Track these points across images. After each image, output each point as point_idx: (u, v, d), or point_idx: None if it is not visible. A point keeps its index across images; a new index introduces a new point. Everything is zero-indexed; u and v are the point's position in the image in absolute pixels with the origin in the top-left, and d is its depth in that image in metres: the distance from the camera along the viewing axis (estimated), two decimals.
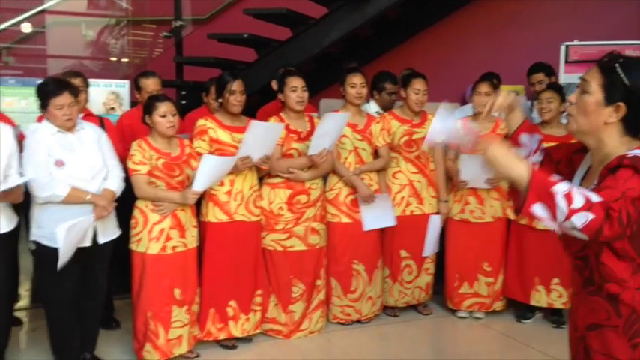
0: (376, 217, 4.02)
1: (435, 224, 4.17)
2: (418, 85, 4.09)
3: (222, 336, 3.66)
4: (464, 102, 5.16)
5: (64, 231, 2.93)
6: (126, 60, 6.92)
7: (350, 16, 4.72)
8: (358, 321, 4.12)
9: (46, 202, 3.08)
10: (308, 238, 3.82)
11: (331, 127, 3.68)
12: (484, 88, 4.15)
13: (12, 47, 6.43)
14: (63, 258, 2.98)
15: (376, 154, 4.11)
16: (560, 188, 1.46)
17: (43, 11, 6.33)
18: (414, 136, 4.14)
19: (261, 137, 3.46)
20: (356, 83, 3.95)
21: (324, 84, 5.20)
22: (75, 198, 3.10)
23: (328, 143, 3.69)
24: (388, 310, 4.29)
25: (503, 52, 5.47)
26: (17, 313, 4.00)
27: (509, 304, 4.32)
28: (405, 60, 5.25)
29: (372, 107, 4.48)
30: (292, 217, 3.77)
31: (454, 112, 4.49)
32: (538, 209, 1.47)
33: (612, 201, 1.46)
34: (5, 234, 3.10)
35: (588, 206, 1.44)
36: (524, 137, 1.94)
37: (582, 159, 1.79)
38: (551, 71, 4.64)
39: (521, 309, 4.25)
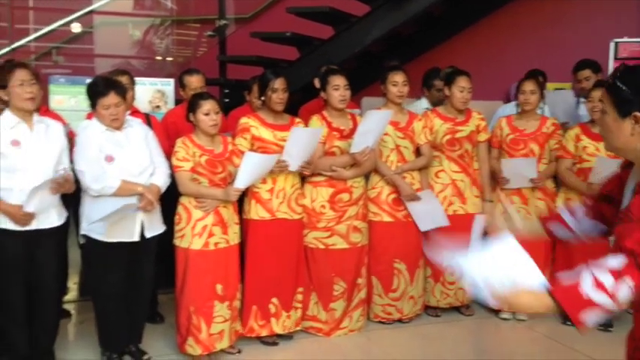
0: (428, 215, 3.97)
1: (479, 224, 4.10)
2: (462, 82, 4.04)
3: (264, 333, 3.69)
4: (508, 100, 5.08)
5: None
6: (170, 59, 7.04)
7: (392, 13, 4.69)
8: (399, 320, 4.10)
9: (99, 194, 3.16)
10: (350, 236, 3.82)
11: (374, 124, 3.66)
12: (529, 86, 4.07)
13: (61, 47, 6.61)
14: (102, 219, 3.08)
15: (418, 152, 4.08)
16: (586, 283, 1.44)
17: (91, 12, 6.48)
18: (457, 135, 4.09)
19: (302, 143, 3.49)
20: (397, 82, 3.93)
21: (365, 82, 5.18)
22: (126, 190, 3.18)
23: (371, 141, 3.68)
24: (430, 310, 4.25)
25: (549, 49, 5.35)
26: (66, 306, 4.12)
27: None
28: (447, 58, 5.19)
29: (423, 104, 4.45)
30: (334, 215, 3.77)
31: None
32: (589, 317, 1.45)
33: (637, 244, 1.44)
34: (56, 228, 3.20)
35: (618, 275, 1.42)
36: (554, 226, 1.96)
37: (629, 174, 1.76)
38: (598, 68, 4.53)
39: None
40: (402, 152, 4.00)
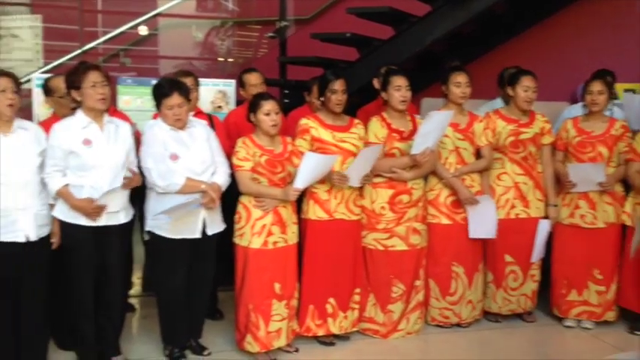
0: (481, 222, 3.90)
1: (544, 229, 4.01)
2: (527, 82, 3.94)
3: (321, 332, 3.70)
4: (574, 101, 4.91)
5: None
6: (232, 60, 7.15)
7: (454, 13, 4.62)
8: (457, 325, 4.03)
9: (164, 191, 3.26)
10: (409, 238, 3.79)
11: (435, 125, 3.62)
12: (597, 86, 3.94)
13: (128, 49, 6.81)
14: (167, 212, 3.17)
15: (478, 154, 4.00)
16: None
17: (157, 15, 6.66)
18: (521, 136, 3.99)
19: (364, 161, 3.52)
20: (460, 82, 3.87)
21: (424, 83, 5.12)
22: (190, 187, 3.27)
23: (431, 142, 3.64)
24: (489, 315, 4.16)
25: (618, 48, 5.15)
26: (130, 301, 4.24)
27: (623, 315, 4.07)
28: (511, 58, 5.07)
29: (498, 104, 4.36)
30: (394, 216, 3.75)
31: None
32: None
33: None
34: (123, 225, 3.31)
35: None
36: None
37: None
38: None
39: (637, 320, 3.99)
40: (462, 154, 3.93)
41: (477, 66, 5.04)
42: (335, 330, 3.72)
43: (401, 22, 4.98)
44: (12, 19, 5.98)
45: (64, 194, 3.11)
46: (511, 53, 5.40)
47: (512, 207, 4.01)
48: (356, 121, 3.78)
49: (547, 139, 4.06)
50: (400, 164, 3.73)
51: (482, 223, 3.90)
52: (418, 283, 3.88)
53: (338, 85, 3.59)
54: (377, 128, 3.74)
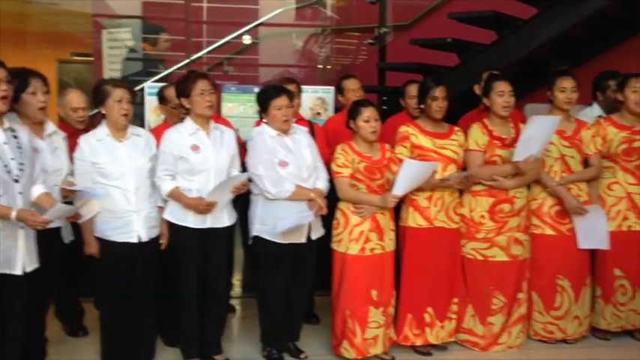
0: (590, 233, 3.72)
1: None
2: (638, 84, 3.72)
3: (418, 342, 3.66)
4: None
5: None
6: (330, 67, 7.23)
7: (562, 15, 4.42)
8: (563, 341, 3.85)
9: (275, 197, 3.35)
10: (511, 248, 3.67)
11: (539, 131, 3.49)
12: None
13: (231, 58, 7.06)
14: (282, 228, 3.27)
15: (586, 162, 3.81)
16: None
17: (259, 24, 6.85)
18: (635, 144, 3.77)
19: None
20: (566, 87, 3.71)
21: (528, 88, 4.93)
22: (299, 195, 3.34)
23: (536, 149, 3.51)
24: (598, 332, 3.95)
25: None
26: (230, 301, 4.36)
27: None
28: (620, 62, 4.76)
29: (595, 111, 4.15)
30: (494, 226, 3.65)
31: None
32: None
33: None
34: (227, 227, 3.44)
35: None
36: None
37: None
38: None
39: None
40: (568, 162, 3.76)
41: (584, 71, 4.76)
42: (432, 340, 3.67)
43: (505, 25, 4.83)
44: (127, 31, 6.36)
45: (176, 195, 3.27)
46: (621, 57, 5.07)
47: (625, 219, 3.80)
48: (456, 128, 3.72)
49: None
50: (501, 172, 3.62)
51: (592, 233, 3.72)
52: (521, 295, 3.75)
53: (439, 91, 3.55)
54: (477, 135, 3.66)
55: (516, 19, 4.80)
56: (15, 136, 2.75)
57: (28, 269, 2.78)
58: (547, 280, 3.80)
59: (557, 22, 4.44)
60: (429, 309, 3.63)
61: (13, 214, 2.62)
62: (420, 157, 3.53)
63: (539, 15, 4.59)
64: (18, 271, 2.73)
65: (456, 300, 3.71)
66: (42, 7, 8.04)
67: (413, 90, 4.05)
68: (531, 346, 3.84)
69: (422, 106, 3.63)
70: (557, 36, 4.53)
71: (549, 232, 3.79)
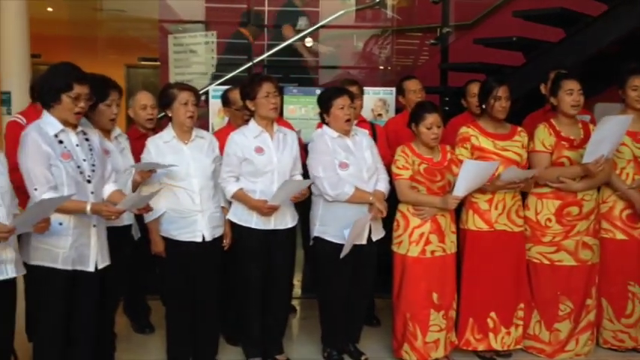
0: None
1: None
2: None
3: (481, 347, 3.60)
4: None
5: (349, 230, 3.26)
6: (391, 68, 7.19)
7: (633, 12, 4.25)
8: (634, 349, 3.71)
9: (334, 200, 3.37)
10: (579, 252, 3.56)
11: (610, 131, 3.37)
12: None
13: (291, 60, 7.12)
14: (345, 250, 3.27)
15: None
16: None
17: (320, 27, 6.89)
18: None
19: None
20: (638, 86, 3.58)
21: (597, 87, 4.76)
22: (358, 198, 3.35)
23: (606, 150, 3.38)
24: None
25: None
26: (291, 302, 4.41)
27: None
28: None
29: None
30: (561, 229, 3.54)
31: None
32: None
33: None
34: (289, 229, 3.48)
35: None
36: None
37: None
38: None
39: None
40: None
41: None
42: (496, 346, 3.59)
43: (573, 23, 4.69)
44: (191, 35, 6.53)
45: (240, 197, 3.34)
46: None
47: None
48: (519, 128, 3.63)
49: None
50: (569, 174, 3.51)
51: None
52: (589, 302, 3.63)
53: (502, 91, 3.48)
54: (544, 136, 3.55)
55: (585, 16, 4.65)
56: (87, 139, 2.87)
57: (100, 266, 2.89)
58: (618, 287, 3.68)
59: (627, 19, 4.28)
60: (492, 314, 3.55)
61: (88, 207, 2.73)
62: (480, 159, 3.47)
63: (609, 11, 4.43)
64: (90, 268, 2.84)
65: (522, 305, 3.62)
66: (111, 15, 8.35)
67: (474, 88, 3.99)
68: (600, 354, 3.72)
69: (483, 106, 3.56)
70: (628, 33, 4.36)
71: (620, 236, 3.66)
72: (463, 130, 3.58)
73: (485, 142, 3.52)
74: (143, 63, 10.27)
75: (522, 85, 4.31)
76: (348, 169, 3.37)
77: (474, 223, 3.53)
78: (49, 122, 2.75)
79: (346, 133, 3.44)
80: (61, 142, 2.74)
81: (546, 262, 3.59)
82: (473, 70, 5.17)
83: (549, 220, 3.56)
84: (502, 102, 3.48)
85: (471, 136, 3.54)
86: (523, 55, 5.07)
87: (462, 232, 3.57)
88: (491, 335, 3.57)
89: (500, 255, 3.53)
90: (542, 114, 3.98)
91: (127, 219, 3.28)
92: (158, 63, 7.33)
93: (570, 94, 3.49)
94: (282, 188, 3.26)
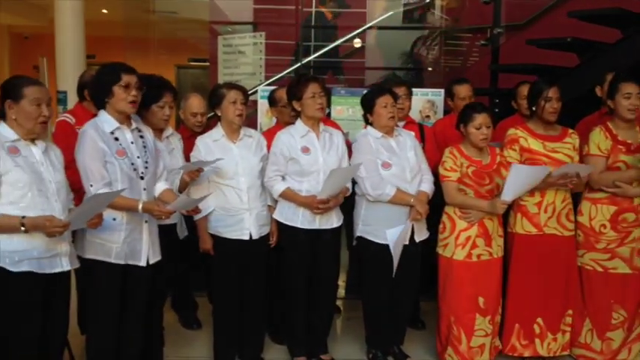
0: None
1: None
2: None
3: (527, 353, 3.53)
4: None
5: (392, 243, 3.27)
6: (439, 69, 7.13)
7: None
8: None
9: (375, 200, 3.36)
10: (634, 260, 3.45)
11: None
12: None
13: (338, 61, 7.15)
14: (395, 260, 3.29)
15: None
16: None
17: (368, 28, 6.89)
18: None
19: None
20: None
21: None
22: (399, 199, 3.34)
23: None
24: None
25: None
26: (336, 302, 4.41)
27: None
28: None
29: None
30: (616, 236, 3.44)
31: None
32: None
33: None
34: (335, 229, 3.48)
35: None
36: None
37: None
38: None
39: None
40: None
41: None
42: (542, 352, 3.52)
43: (631, 23, 4.54)
44: (240, 36, 6.61)
45: (288, 195, 3.36)
46: None
47: None
48: (570, 130, 3.55)
49: None
50: (626, 178, 3.41)
51: None
52: None
53: (552, 92, 3.41)
54: (600, 139, 3.45)
55: None
56: (141, 136, 2.94)
57: (152, 261, 2.95)
58: None
59: None
60: (539, 319, 3.49)
61: (140, 206, 2.79)
62: (529, 161, 3.41)
63: None
64: (142, 263, 2.91)
65: (570, 312, 3.54)
66: (163, 16, 8.53)
67: (525, 90, 3.91)
68: None
69: (533, 108, 3.48)
70: None
71: None
72: (511, 131, 3.52)
73: (534, 144, 3.45)
74: (192, 63, 10.46)
75: (576, 88, 4.19)
76: (390, 168, 3.36)
77: (522, 226, 3.47)
78: (106, 120, 2.82)
79: (390, 131, 3.43)
80: (116, 139, 2.82)
81: (600, 269, 3.48)
82: (524, 72, 5.07)
83: (604, 226, 3.45)
84: (553, 103, 3.41)
85: (520, 138, 3.47)
86: (577, 56, 4.94)
87: (510, 236, 3.51)
88: (537, 341, 3.50)
89: (548, 259, 3.45)
90: (597, 117, 3.87)
91: (173, 217, 3.33)
92: (207, 64, 7.46)
93: (628, 97, 3.38)
94: (329, 179, 3.25)
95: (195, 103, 3.91)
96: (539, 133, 3.47)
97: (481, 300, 3.38)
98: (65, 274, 2.69)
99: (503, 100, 5.07)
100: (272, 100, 3.96)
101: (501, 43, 5.65)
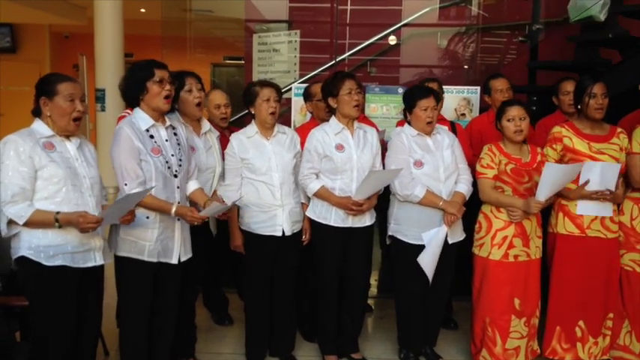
0: None
1: None
2: None
3: (568, 357, 3.44)
4: None
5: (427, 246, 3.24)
6: (476, 67, 7.03)
7: None
8: None
9: (404, 200, 3.32)
10: None
11: None
12: None
13: (374, 59, 7.10)
14: (431, 264, 3.27)
15: None
16: None
17: (403, 25, 6.83)
18: None
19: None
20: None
21: None
22: (429, 201, 3.29)
23: None
24: None
25: None
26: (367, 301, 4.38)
27: None
28: None
29: None
30: None
31: None
32: None
33: None
34: (367, 227, 3.45)
35: None
36: None
37: None
38: None
39: None
40: None
41: None
42: (584, 356, 3.43)
43: None
44: (275, 34, 6.63)
45: (323, 194, 3.34)
46: None
47: None
48: (618, 129, 3.43)
49: None
50: None
51: None
52: None
53: (597, 88, 3.30)
54: None
55: None
56: (175, 134, 2.97)
57: (183, 259, 2.98)
58: None
59: None
60: (581, 323, 3.40)
61: (173, 210, 2.82)
62: (572, 162, 3.31)
63: None
64: (174, 260, 2.94)
65: (611, 315, 3.44)
66: (199, 15, 8.62)
67: (567, 86, 3.83)
68: None
69: (579, 106, 3.39)
70: None
71: None
72: (556, 129, 3.42)
73: (579, 144, 3.35)
74: (228, 62, 10.53)
75: (618, 85, 4.06)
76: (422, 167, 3.31)
77: (564, 226, 3.38)
78: (141, 117, 2.85)
79: (427, 133, 3.38)
80: (151, 136, 2.84)
81: (639, 270, 3.39)
82: (563, 69, 4.95)
83: None
84: (598, 99, 3.31)
85: (564, 137, 3.38)
86: (620, 53, 4.80)
87: (551, 236, 3.43)
88: (578, 345, 3.42)
89: (591, 262, 3.36)
90: (638, 115, 3.75)
91: None
92: (242, 62, 7.50)
93: None
94: (366, 180, 3.23)
95: (217, 95, 3.92)
96: (586, 133, 3.37)
97: (517, 301, 3.32)
98: (98, 269, 2.73)
99: (542, 97, 4.97)
100: (307, 95, 3.96)
101: (540, 40, 5.53)
